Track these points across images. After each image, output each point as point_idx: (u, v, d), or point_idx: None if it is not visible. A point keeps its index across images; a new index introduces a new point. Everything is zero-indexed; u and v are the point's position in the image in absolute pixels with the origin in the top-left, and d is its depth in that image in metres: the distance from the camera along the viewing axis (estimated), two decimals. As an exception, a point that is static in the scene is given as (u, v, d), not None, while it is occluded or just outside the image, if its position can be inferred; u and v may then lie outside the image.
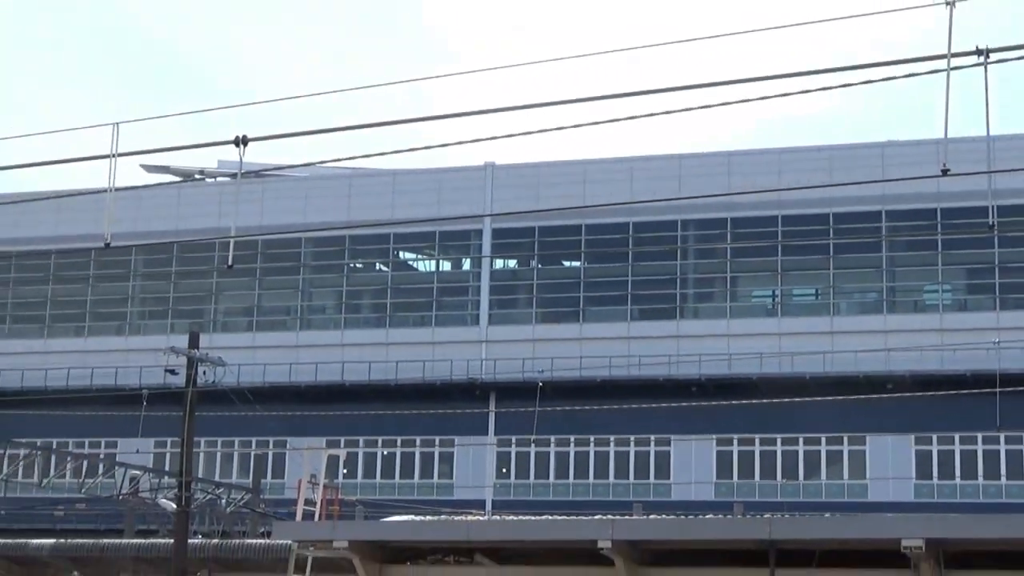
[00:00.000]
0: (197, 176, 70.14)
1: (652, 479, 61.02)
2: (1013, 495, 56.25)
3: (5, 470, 51.07)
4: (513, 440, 62.33)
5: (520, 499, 59.93)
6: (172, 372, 33.58)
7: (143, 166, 67.32)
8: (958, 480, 57.86)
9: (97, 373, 66.79)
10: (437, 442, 64.34)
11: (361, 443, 64.93)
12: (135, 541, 45.48)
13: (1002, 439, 56.82)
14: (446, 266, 68.52)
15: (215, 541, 42.81)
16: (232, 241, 63.47)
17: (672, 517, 41.08)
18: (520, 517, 41.31)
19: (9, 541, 46.97)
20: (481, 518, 45.54)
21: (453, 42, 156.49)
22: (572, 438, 61.46)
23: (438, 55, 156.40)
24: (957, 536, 18.12)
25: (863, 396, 52.38)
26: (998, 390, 51.32)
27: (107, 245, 56.46)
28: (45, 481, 56.96)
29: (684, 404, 56.48)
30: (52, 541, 45.43)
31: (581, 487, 61.47)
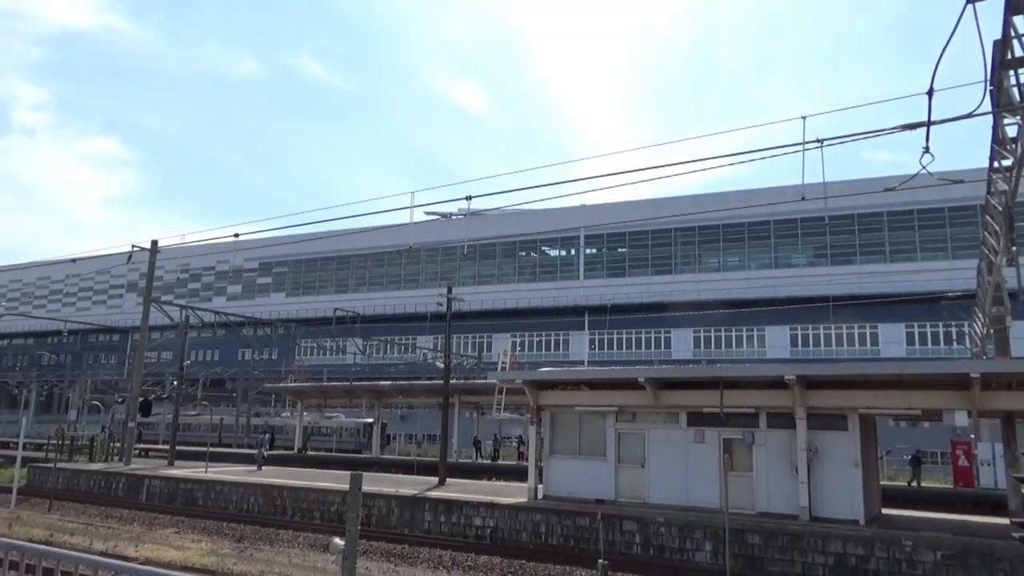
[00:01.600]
0: (449, 214, 73.09)
1: (663, 349, 59.82)
2: (839, 355, 53.49)
3: (366, 350, 49.70)
4: (596, 333, 61.48)
5: (601, 360, 60.30)
6: (439, 305, 30.37)
7: (425, 212, 71.43)
8: (811, 347, 55.48)
9: (407, 305, 69.89)
10: (562, 335, 63.66)
11: (527, 335, 65.18)
12: (425, 382, 46.72)
13: (832, 328, 54.12)
14: (563, 253, 67.97)
15: (462, 380, 43.52)
16: (465, 245, 67.63)
17: (671, 366, 45.50)
18: (601, 368, 43.33)
19: (368, 383, 48.74)
20: (582, 368, 46.54)
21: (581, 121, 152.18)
22: (624, 331, 60.78)
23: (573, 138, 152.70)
24: (810, 373, 17.88)
25: (765, 308, 53.05)
26: (831, 304, 50.81)
27: (410, 248, 67.37)
28: (384, 355, 58.25)
29: (676, 314, 57.95)
30: (389, 382, 46.83)
31: (629, 353, 60.60)
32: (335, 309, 42.01)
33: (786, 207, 51.71)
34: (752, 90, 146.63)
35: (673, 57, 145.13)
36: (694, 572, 15.17)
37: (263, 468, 31.59)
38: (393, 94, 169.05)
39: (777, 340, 56.46)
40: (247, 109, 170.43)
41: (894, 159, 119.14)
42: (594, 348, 62.56)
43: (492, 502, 19.62)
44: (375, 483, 24.08)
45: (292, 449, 48.10)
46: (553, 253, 69.58)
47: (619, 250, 65.35)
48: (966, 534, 15.04)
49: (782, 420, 17.74)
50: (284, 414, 61.96)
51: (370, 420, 49.86)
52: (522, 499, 20.25)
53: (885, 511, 20.10)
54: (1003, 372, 16.34)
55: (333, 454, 47.40)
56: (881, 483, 23.84)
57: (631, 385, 19.42)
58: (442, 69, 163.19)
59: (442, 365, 28.95)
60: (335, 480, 25.15)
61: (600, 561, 13.78)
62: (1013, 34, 11.85)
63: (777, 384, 17.53)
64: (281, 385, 53.58)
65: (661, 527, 16.95)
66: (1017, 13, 11.40)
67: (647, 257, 63.49)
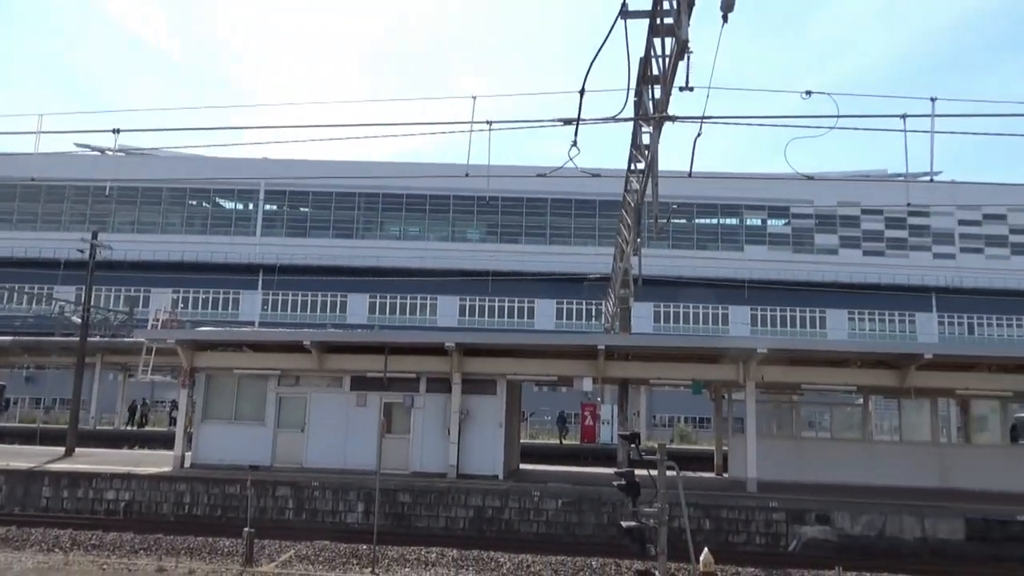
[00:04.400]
0: (104, 149, 63.68)
1: (339, 313, 57.88)
2: (499, 326, 56.76)
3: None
4: (270, 293, 58.55)
5: (274, 321, 56.29)
6: (80, 252, 29.00)
7: (76, 144, 61.34)
8: (476, 317, 58.04)
9: (44, 249, 58.70)
10: (232, 293, 58.55)
11: (193, 292, 58.66)
12: (59, 339, 40.66)
13: (496, 300, 57.68)
14: (240, 206, 63.48)
15: (106, 339, 39.27)
16: (109, 185, 62.10)
17: (339, 330, 44.22)
18: (269, 329, 41.33)
19: (-13, 339, 42.64)
20: (245, 329, 44.42)
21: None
22: (300, 293, 58.21)
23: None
24: (467, 341, 18.93)
25: (440, 278, 55.11)
26: (492, 278, 55.16)
27: (33, 180, 58.86)
28: (7, 305, 51.85)
29: (355, 279, 57.27)
30: (11, 338, 40.22)
31: (304, 316, 57.25)
32: (-62, 247, 34.53)
33: (466, 185, 52.68)
34: (449, 66, 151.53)
35: (395, 23, 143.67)
36: (344, 533, 15.28)
37: None
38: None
39: (447, 309, 58.65)
40: None
41: (563, 152, 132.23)
42: (267, 309, 59.64)
43: (129, 472, 17.77)
44: (-21, 456, 20.41)
45: None
46: (229, 205, 64.62)
47: (301, 209, 63.04)
48: (583, 484, 17.30)
49: (440, 385, 18.73)
50: None
51: (-17, 382, 42.27)
52: (167, 468, 18.74)
53: (524, 466, 22.30)
54: (621, 345, 19.12)
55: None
56: (523, 441, 26.79)
57: (296, 348, 19.08)
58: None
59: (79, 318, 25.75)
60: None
61: (246, 529, 13.22)
62: (653, 54, 13.68)
63: (438, 351, 18.45)
64: None
65: (316, 491, 16.83)
66: (657, 36, 13.16)
67: (329, 219, 62.11)
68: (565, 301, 57.49)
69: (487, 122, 11.72)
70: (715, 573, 12.41)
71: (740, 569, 13.01)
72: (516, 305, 58.52)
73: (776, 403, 21.78)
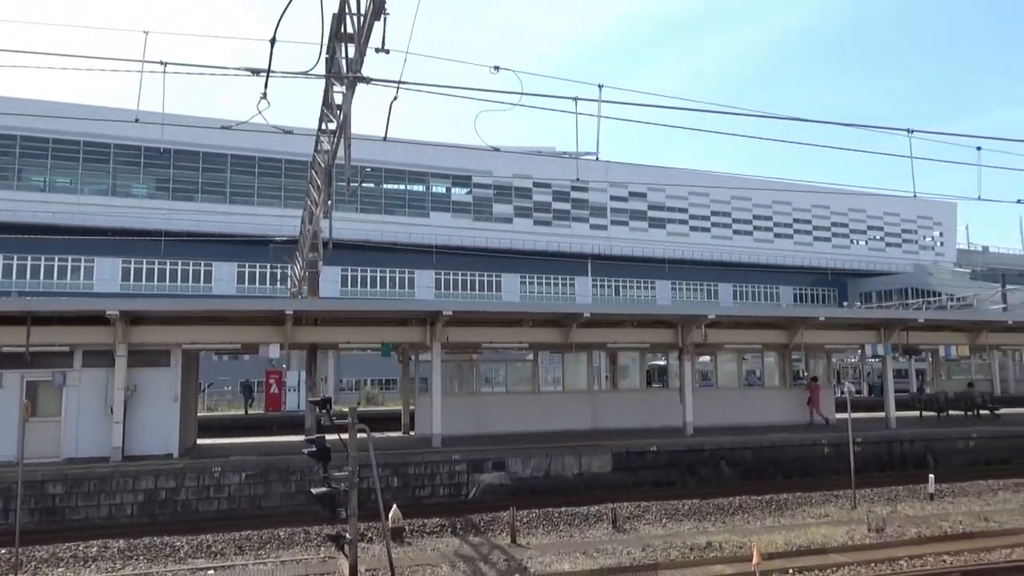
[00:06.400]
0: None
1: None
2: (172, 291, 51.87)
3: None
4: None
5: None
6: None
7: None
8: (144, 281, 51.59)
9: None
10: None
11: None
12: None
13: (168, 263, 52.04)
14: None
15: None
16: None
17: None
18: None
19: None
20: None
21: None
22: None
23: None
24: (134, 308, 17.01)
25: (97, 237, 49.01)
26: (165, 239, 49.84)
27: None
28: None
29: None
30: None
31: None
32: None
33: (131, 134, 48.36)
34: None
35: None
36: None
37: None
38: None
39: (108, 273, 52.19)
40: None
41: (250, 109, 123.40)
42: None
43: None
44: None
45: None
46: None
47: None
48: (269, 454, 16.63)
49: (101, 358, 16.68)
50: None
51: None
52: None
53: (203, 441, 20.84)
54: (310, 310, 18.69)
55: None
56: (202, 414, 24.97)
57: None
58: None
59: None
60: None
61: None
62: (348, 11, 13.29)
63: (98, 320, 16.37)
64: None
65: (-69, 492, 13.85)
66: (350, -6, 12.77)
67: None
68: (247, 264, 54.48)
69: (161, 63, 10.26)
70: (403, 527, 12.88)
71: (426, 520, 13.59)
72: (191, 268, 54.02)
73: (457, 362, 23.05)
